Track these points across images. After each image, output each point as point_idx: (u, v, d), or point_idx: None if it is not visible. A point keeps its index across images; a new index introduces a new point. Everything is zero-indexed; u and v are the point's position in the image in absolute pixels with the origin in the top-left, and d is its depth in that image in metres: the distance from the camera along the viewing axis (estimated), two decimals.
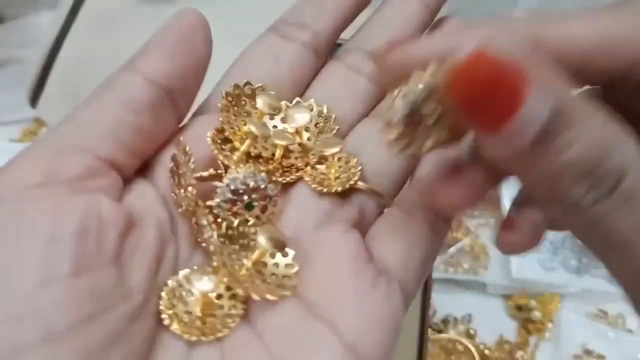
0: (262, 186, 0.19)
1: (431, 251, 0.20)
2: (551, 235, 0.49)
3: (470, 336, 0.45)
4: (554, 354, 0.44)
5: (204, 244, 0.18)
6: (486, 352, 0.44)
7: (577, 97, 0.15)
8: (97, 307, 0.15)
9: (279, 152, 0.21)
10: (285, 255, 0.19)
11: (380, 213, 0.21)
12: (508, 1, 0.55)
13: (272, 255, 0.19)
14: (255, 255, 0.18)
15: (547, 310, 0.46)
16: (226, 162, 0.19)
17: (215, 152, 0.19)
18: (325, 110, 0.22)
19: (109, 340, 0.15)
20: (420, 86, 0.15)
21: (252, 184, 0.19)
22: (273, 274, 0.18)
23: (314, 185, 0.20)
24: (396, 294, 0.18)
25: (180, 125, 0.20)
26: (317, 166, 0.21)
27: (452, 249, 0.49)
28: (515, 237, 0.20)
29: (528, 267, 0.47)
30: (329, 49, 0.23)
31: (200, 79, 0.20)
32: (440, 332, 0.46)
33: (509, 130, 0.13)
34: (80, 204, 0.16)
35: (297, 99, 0.22)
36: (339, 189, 0.20)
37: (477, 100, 0.14)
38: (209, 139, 0.19)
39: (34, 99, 0.42)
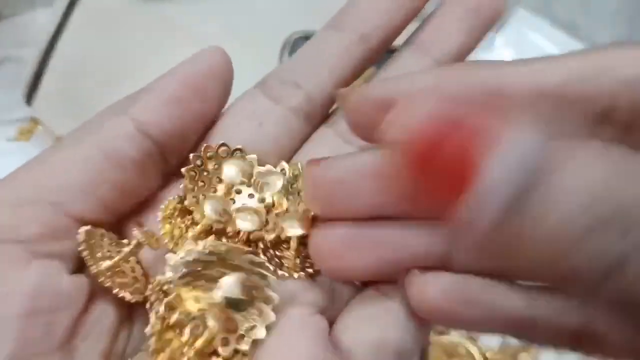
0: None
1: (409, 343, 0.17)
2: None
3: (472, 339, 0.45)
4: (558, 357, 0.44)
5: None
6: (488, 354, 0.44)
7: (556, 141, 0.12)
8: None
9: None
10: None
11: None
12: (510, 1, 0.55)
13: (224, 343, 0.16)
14: (201, 341, 0.16)
15: None
16: (170, 247, 0.17)
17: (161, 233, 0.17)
18: (299, 167, 0.19)
19: None
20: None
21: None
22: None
23: (272, 269, 0.18)
24: None
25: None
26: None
27: None
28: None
29: None
30: (325, 111, 0.20)
31: (203, 132, 0.18)
32: (441, 334, 0.45)
33: (472, 201, 0.11)
34: (33, 276, 0.14)
35: (270, 166, 0.19)
36: (296, 275, 0.18)
37: (431, 173, 0.12)
38: (159, 214, 0.17)
39: (30, 96, 0.41)
